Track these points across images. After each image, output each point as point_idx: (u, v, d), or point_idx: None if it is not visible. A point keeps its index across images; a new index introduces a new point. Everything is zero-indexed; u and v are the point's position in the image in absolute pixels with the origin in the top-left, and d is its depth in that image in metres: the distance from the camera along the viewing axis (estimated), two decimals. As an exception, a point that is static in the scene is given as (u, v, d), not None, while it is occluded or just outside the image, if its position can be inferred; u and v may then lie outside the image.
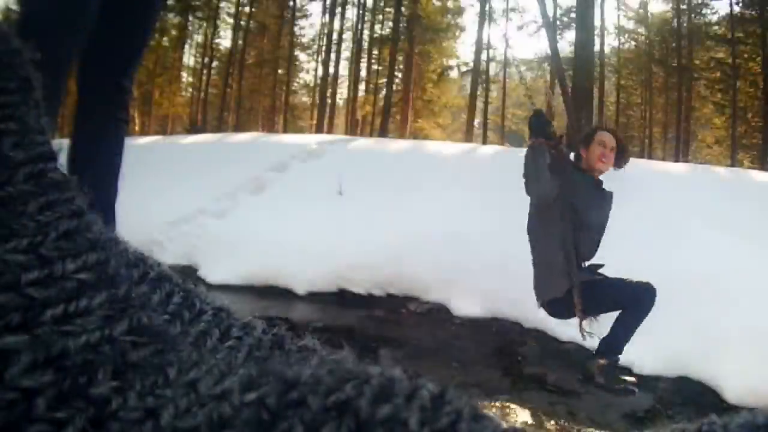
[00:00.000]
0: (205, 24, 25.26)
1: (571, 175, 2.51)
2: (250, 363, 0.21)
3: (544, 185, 2.39)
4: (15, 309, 0.16)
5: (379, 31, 24.26)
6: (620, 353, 2.54)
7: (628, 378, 2.57)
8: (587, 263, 2.56)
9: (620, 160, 2.65)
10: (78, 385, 0.15)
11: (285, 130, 23.39)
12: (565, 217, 2.43)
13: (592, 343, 3.46)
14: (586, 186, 2.54)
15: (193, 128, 21.79)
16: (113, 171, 1.66)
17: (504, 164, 6.34)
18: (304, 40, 27.69)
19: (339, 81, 26.25)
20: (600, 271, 2.56)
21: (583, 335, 2.53)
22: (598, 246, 2.58)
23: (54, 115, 1.41)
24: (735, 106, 20.15)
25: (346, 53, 26.12)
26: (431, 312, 4.11)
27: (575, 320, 2.51)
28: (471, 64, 21.97)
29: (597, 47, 19.98)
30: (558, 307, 2.54)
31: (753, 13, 19.95)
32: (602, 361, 2.50)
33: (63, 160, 0.22)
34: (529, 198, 2.56)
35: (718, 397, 2.93)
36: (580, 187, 2.51)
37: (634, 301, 2.45)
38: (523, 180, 2.46)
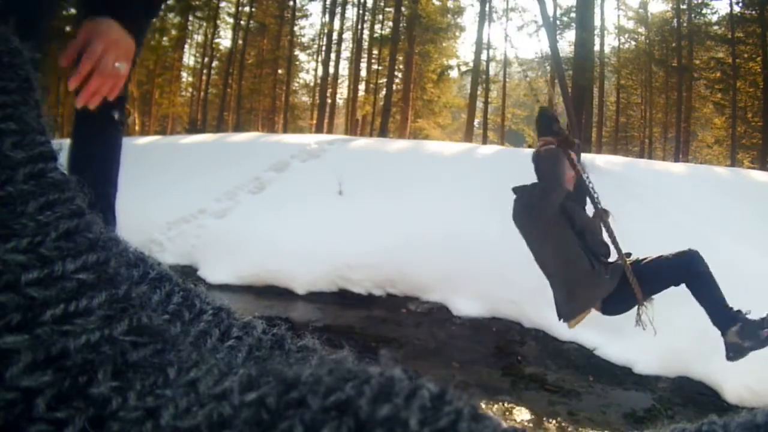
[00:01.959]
0: (205, 24, 25.26)
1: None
2: (250, 363, 0.21)
3: (560, 193, 2.32)
4: (15, 309, 0.16)
5: (379, 31, 24.25)
6: (731, 316, 2.44)
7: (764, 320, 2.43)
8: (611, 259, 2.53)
9: None
10: (78, 385, 0.15)
11: (285, 130, 23.40)
12: (575, 223, 2.38)
13: (593, 342, 3.46)
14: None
15: (192, 128, 21.81)
16: (113, 170, 1.66)
17: (504, 164, 6.34)
18: (304, 40, 27.70)
19: (339, 81, 26.28)
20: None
21: (642, 326, 2.49)
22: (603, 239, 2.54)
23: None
24: (735, 106, 20.15)
25: (346, 53, 26.15)
26: (431, 312, 4.11)
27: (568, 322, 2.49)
28: (471, 64, 21.97)
29: (597, 47, 19.98)
30: (612, 304, 2.50)
31: (753, 13, 19.95)
32: (734, 329, 2.42)
33: (63, 160, 0.22)
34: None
35: (718, 397, 2.93)
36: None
37: (686, 271, 2.44)
38: (541, 187, 2.38)
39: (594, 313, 3.58)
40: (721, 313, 2.45)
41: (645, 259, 2.52)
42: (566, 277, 2.45)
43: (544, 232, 2.40)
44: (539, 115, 2.51)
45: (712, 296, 2.46)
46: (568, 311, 2.50)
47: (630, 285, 2.35)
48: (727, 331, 2.42)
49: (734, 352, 2.43)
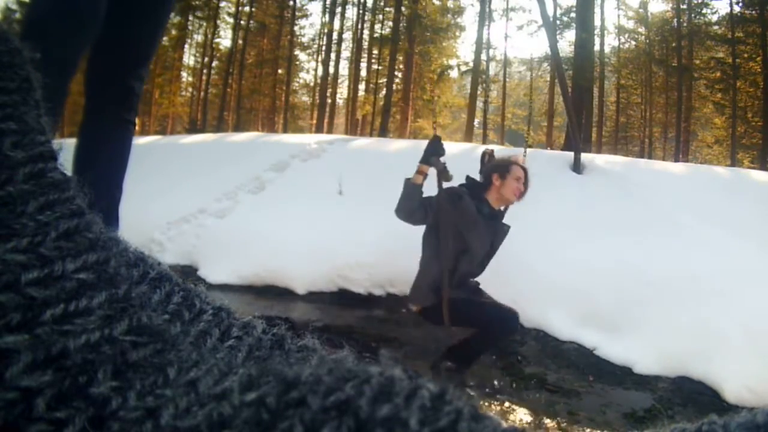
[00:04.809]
0: (205, 24, 25.26)
1: (464, 202, 2.72)
2: (250, 363, 0.21)
3: (410, 214, 2.71)
4: (15, 309, 0.16)
5: (379, 31, 24.25)
6: (468, 368, 2.80)
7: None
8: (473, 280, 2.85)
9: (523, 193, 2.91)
10: (78, 385, 0.15)
11: (285, 130, 23.40)
12: (448, 240, 2.65)
13: (593, 342, 3.46)
14: (480, 214, 2.74)
15: (192, 127, 21.80)
16: (119, 171, 1.66)
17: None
18: (304, 40, 27.71)
19: (339, 81, 26.28)
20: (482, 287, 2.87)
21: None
22: (482, 268, 2.86)
23: (56, 116, 1.41)
24: (735, 106, 20.16)
25: (346, 53, 26.15)
26: (431, 312, 4.11)
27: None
28: (471, 64, 21.98)
29: (597, 47, 19.97)
30: (429, 314, 2.79)
31: (753, 13, 19.95)
32: (450, 365, 2.75)
33: (64, 159, 0.22)
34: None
35: (718, 397, 2.93)
36: (471, 215, 2.71)
37: (487, 325, 2.68)
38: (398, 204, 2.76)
39: (593, 312, 3.58)
40: (465, 355, 2.78)
41: (481, 296, 2.81)
42: (422, 267, 2.81)
43: (436, 225, 2.72)
44: (433, 141, 2.89)
45: (477, 347, 2.78)
46: (409, 295, 2.91)
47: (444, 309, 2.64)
48: (448, 360, 2.79)
49: (433, 370, 2.73)
